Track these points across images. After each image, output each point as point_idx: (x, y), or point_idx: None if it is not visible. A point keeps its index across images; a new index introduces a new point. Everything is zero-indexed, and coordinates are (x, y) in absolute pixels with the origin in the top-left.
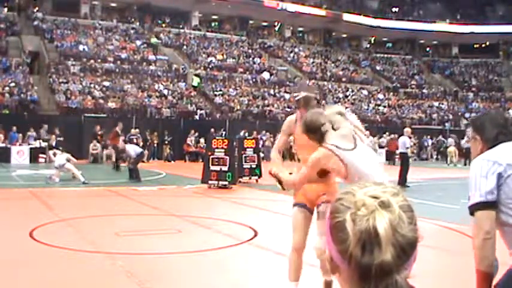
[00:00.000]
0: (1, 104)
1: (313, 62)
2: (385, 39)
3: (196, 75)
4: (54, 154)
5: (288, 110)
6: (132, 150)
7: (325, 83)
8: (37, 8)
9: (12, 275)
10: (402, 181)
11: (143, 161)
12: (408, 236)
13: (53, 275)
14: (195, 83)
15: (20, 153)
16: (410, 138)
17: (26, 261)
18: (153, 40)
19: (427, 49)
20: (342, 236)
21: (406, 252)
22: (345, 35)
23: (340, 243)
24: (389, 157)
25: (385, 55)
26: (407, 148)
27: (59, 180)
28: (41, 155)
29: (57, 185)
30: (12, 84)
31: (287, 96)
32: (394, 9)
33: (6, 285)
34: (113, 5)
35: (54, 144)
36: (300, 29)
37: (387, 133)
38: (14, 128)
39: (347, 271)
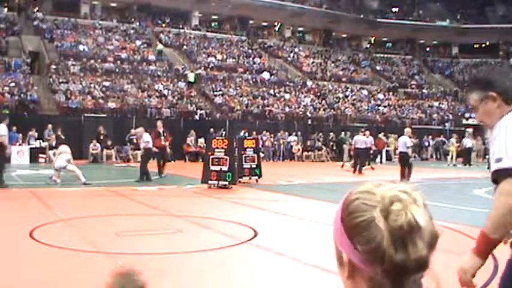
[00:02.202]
0: (1, 103)
1: (313, 62)
2: (385, 39)
3: (191, 71)
4: (54, 154)
5: (288, 109)
6: (148, 137)
7: (325, 83)
8: (37, 8)
9: (12, 274)
10: (406, 181)
11: None
12: (434, 230)
13: (53, 274)
14: (191, 79)
15: (20, 153)
16: (410, 138)
17: (26, 261)
18: (159, 47)
19: (427, 49)
20: (369, 235)
21: (433, 248)
22: (345, 35)
23: (366, 243)
24: (376, 155)
25: (385, 55)
26: (408, 148)
27: (60, 181)
28: (41, 155)
29: (57, 185)
30: (12, 84)
31: (287, 96)
32: (394, 9)
33: (6, 284)
34: (113, 5)
35: (54, 144)
36: (300, 29)
37: (383, 133)
38: (14, 128)
39: (371, 272)
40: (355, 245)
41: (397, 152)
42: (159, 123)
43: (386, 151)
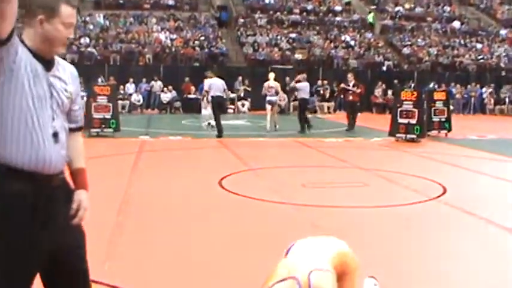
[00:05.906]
0: (192, 57)
1: (508, 9)
2: None
3: (370, 11)
4: (243, 105)
5: (480, 60)
6: (304, 86)
7: None
8: None
9: (203, 221)
10: None
11: (329, 112)
12: None
13: (241, 222)
14: (370, 19)
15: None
16: None
17: (216, 209)
18: (370, 16)
19: None
20: None
21: None
22: None
23: None
24: None
25: None
26: None
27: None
28: (229, 106)
29: (244, 135)
30: (202, 38)
31: (479, 46)
32: None
33: (198, 230)
34: None
35: (242, 95)
36: None
37: None
38: (205, 80)
39: None
40: None
41: None
42: (349, 76)
43: None
